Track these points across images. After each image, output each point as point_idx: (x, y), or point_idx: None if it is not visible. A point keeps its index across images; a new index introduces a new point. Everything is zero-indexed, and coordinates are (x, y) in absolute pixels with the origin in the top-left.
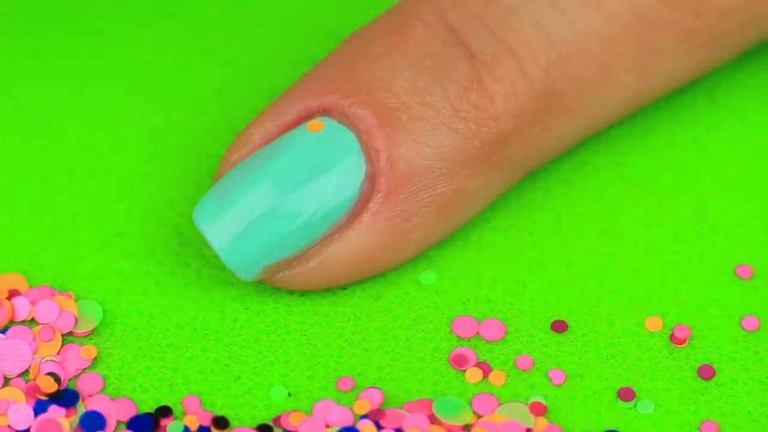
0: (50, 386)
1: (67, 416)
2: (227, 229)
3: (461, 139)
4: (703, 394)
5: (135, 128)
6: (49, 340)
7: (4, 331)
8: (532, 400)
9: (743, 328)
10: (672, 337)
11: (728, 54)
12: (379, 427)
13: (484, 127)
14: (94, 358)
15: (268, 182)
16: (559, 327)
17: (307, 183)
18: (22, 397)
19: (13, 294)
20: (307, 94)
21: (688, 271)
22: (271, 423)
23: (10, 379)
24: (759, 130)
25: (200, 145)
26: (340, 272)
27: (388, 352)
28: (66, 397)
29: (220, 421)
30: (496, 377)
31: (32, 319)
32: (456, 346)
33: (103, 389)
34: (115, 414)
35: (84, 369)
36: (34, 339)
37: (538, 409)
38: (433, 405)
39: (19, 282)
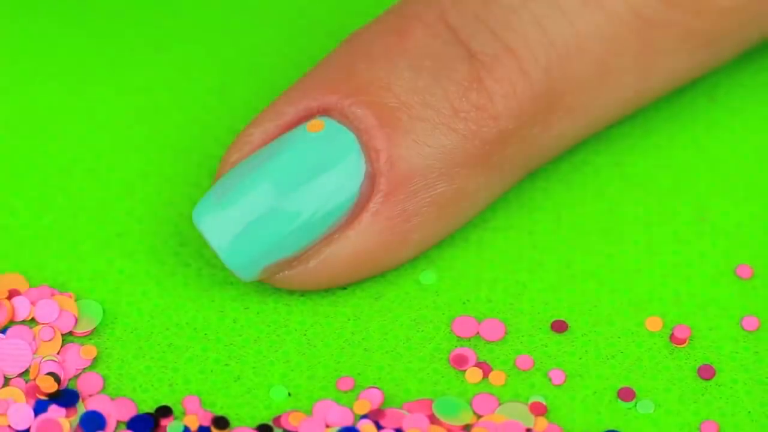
0: (50, 386)
1: (67, 416)
2: (227, 229)
3: (461, 139)
4: (703, 394)
5: (135, 128)
6: (49, 340)
7: (4, 331)
8: (532, 400)
9: (743, 328)
10: (672, 337)
11: (728, 54)
12: (379, 427)
13: (484, 127)
14: (94, 358)
15: (267, 182)
16: (559, 327)
17: (306, 183)
18: (22, 397)
19: (13, 294)
20: (307, 94)
21: (688, 271)
22: (271, 423)
23: (10, 379)
24: (759, 130)
25: (200, 145)
26: (340, 272)
27: (388, 352)
28: (66, 397)
29: (220, 421)
30: (496, 377)
31: (32, 319)
32: (456, 346)
33: (103, 389)
34: (115, 414)
35: (84, 369)
36: (34, 339)
37: (538, 409)
38: (433, 405)
39: (19, 282)
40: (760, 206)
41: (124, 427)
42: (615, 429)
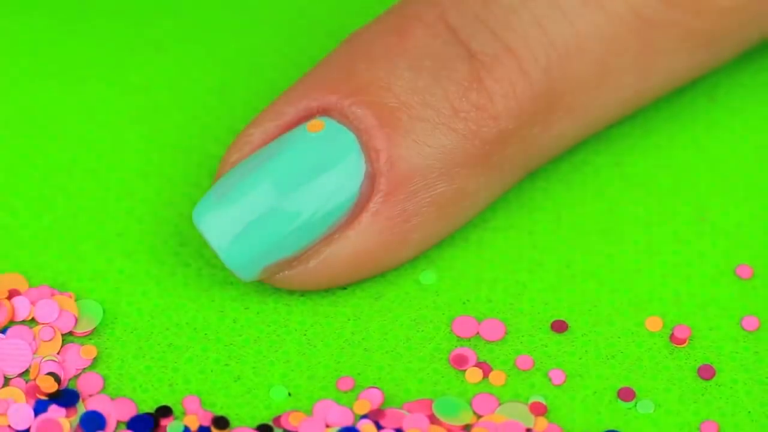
0: (50, 386)
1: (67, 416)
2: (227, 229)
3: (461, 139)
4: (703, 394)
5: (135, 128)
6: (49, 340)
7: (4, 331)
8: (532, 400)
9: (743, 328)
10: (672, 337)
11: (728, 54)
12: (379, 427)
13: (484, 127)
14: (94, 358)
15: (267, 182)
16: (559, 327)
17: (307, 183)
18: (22, 397)
19: (13, 294)
20: (306, 94)
21: (688, 271)
22: (271, 423)
23: (10, 379)
24: (759, 130)
25: (200, 145)
26: (340, 272)
27: (388, 352)
28: (66, 397)
29: (220, 421)
30: (496, 377)
31: (32, 319)
32: (456, 346)
33: (103, 389)
34: (115, 414)
35: (84, 369)
36: (34, 339)
37: (538, 409)
38: (433, 405)
39: (19, 282)
40: (760, 206)
41: (124, 427)
42: (615, 429)
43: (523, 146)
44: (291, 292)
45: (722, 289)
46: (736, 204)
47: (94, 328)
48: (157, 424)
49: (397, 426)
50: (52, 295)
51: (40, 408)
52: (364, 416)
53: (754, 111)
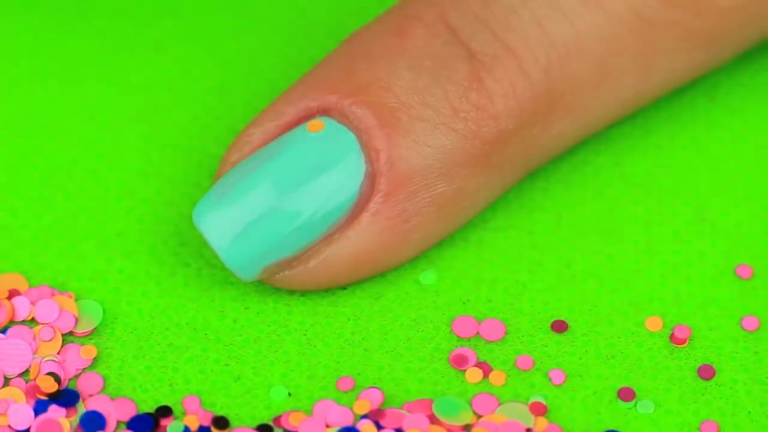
0: (50, 386)
1: (67, 416)
2: (227, 229)
3: (461, 139)
4: (703, 394)
5: (135, 128)
6: (49, 340)
7: (4, 331)
8: (532, 400)
9: (743, 328)
10: (672, 337)
11: (728, 54)
12: (379, 427)
13: (484, 127)
14: (94, 358)
15: (267, 182)
16: (559, 327)
17: (306, 183)
18: (22, 397)
19: (13, 294)
20: (306, 94)
21: (688, 271)
22: (271, 423)
23: (10, 379)
24: (759, 130)
25: (200, 145)
26: (340, 272)
27: (388, 352)
28: (66, 397)
29: (220, 421)
30: (496, 377)
31: (32, 319)
32: (456, 346)
33: (103, 389)
34: (115, 414)
35: (84, 369)
36: (34, 339)
37: (538, 409)
38: (433, 405)
39: (19, 282)
40: (760, 206)
41: (124, 427)
42: (615, 429)
43: (523, 146)
44: (291, 292)
45: (722, 289)
46: (736, 204)
47: (94, 328)
48: (157, 424)
49: (397, 426)
50: (52, 295)
51: (40, 408)
52: (364, 416)
53: (754, 111)
